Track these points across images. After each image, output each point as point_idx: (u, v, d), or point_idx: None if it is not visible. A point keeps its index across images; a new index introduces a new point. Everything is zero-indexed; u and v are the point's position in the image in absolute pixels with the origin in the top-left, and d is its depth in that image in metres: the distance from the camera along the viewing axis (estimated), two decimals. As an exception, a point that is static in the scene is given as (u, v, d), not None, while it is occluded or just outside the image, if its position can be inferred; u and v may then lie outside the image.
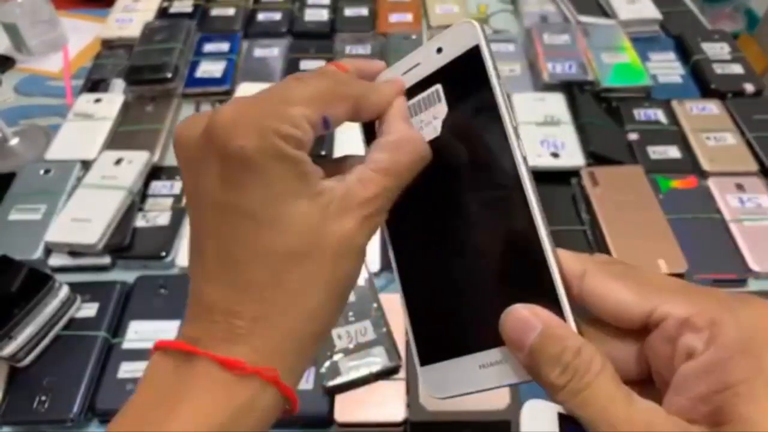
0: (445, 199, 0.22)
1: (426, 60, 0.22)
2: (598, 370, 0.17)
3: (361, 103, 0.21)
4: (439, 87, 0.22)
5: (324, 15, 0.83)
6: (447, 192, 0.22)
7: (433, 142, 0.22)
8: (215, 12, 0.83)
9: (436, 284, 0.22)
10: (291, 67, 0.76)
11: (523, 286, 0.20)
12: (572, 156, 0.61)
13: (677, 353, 0.17)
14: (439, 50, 0.22)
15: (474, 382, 0.20)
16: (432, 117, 0.22)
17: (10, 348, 0.45)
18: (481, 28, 0.21)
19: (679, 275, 0.52)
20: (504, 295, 0.19)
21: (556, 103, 0.68)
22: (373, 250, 0.54)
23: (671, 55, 0.76)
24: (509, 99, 0.23)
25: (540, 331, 0.18)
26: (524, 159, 0.20)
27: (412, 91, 0.23)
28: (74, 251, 0.55)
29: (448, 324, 0.21)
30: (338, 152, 0.65)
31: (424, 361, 0.21)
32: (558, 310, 0.19)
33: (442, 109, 0.22)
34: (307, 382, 0.45)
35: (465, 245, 0.21)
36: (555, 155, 0.61)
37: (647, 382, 0.19)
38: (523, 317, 0.18)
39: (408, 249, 0.22)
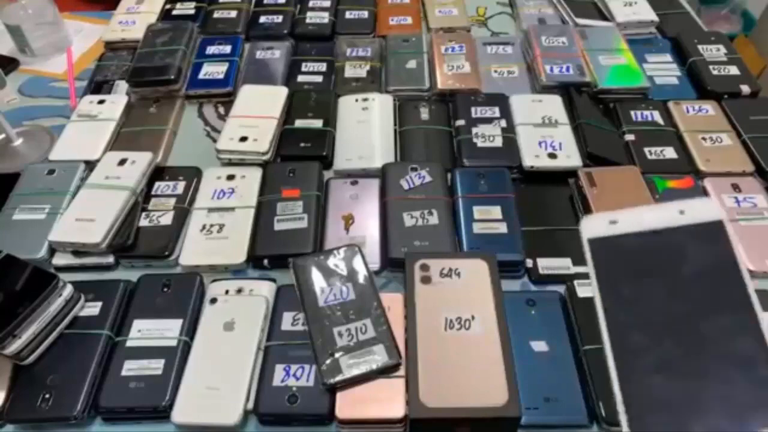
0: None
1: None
2: None
3: None
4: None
5: (325, 17, 0.83)
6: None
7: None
8: (217, 14, 0.84)
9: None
10: (292, 69, 0.76)
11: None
12: (570, 157, 0.62)
13: None
14: (682, 212, 0.26)
15: None
16: None
17: (14, 346, 0.46)
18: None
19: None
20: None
21: (554, 105, 0.68)
22: (373, 251, 0.55)
23: (668, 57, 0.77)
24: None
25: None
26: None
27: None
28: (78, 251, 0.56)
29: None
30: (338, 152, 0.65)
31: None
32: None
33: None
34: (308, 380, 0.45)
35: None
36: (553, 156, 0.62)
37: None
38: None
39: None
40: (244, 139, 0.64)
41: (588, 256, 0.25)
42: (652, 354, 0.23)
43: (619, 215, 0.26)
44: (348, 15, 0.84)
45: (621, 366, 0.23)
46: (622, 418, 0.23)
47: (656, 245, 0.25)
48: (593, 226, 0.26)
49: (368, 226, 0.57)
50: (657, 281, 0.24)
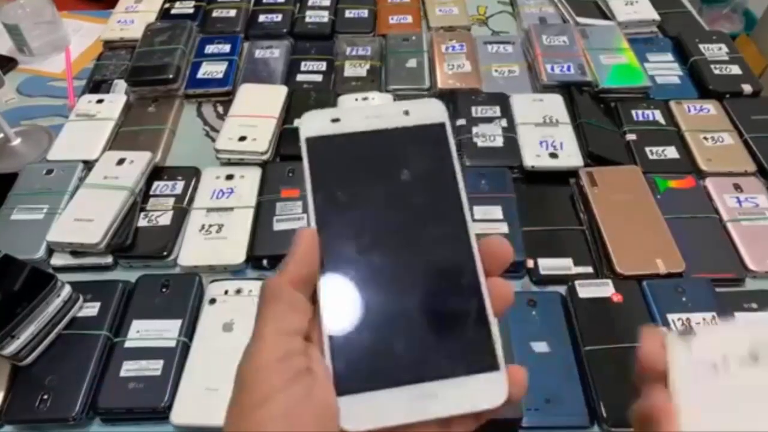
0: (388, 229, 0.23)
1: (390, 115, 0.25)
2: None
3: None
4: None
5: (324, 16, 0.83)
6: (392, 224, 0.23)
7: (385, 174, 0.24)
8: (216, 13, 0.84)
9: (368, 313, 0.22)
10: (292, 68, 0.76)
11: (457, 320, 0.21)
12: (571, 156, 0.62)
13: None
14: (407, 113, 0.25)
15: (400, 414, 0.21)
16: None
17: (13, 347, 0.45)
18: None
19: (678, 275, 0.52)
20: (440, 329, 0.21)
21: (555, 104, 0.68)
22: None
23: (669, 56, 0.77)
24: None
25: None
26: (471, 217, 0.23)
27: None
28: (76, 251, 0.55)
29: (377, 355, 0.21)
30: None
31: (343, 391, 0.21)
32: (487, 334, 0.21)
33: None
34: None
35: (404, 276, 0.22)
36: (554, 156, 0.62)
37: None
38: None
39: (341, 268, 0.23)
40: (243, 138, 0.63)
41: (304, 156, 0.24)
42: (355, 271, 0.22)
43: (342, 113, 0.24)
44: (348, 14, 0.84)
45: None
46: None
47: (377, 146, 0.24)
48: (313, 124, 0.24)
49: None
50: (373, 185, 0.23)
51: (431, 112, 0.25)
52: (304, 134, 0.24)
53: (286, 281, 0.22)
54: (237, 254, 0.55)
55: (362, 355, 0.21)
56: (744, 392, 0.21)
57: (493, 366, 0.21)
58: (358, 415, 0.21)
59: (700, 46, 0.76)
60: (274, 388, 0.20)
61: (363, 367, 0.21)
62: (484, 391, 0.21)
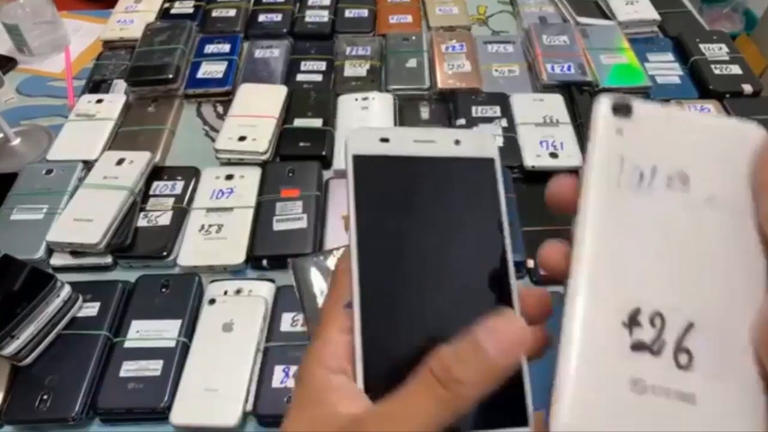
0: (428, 261, 0.23)
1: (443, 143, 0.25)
2: None
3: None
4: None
5: (324, 16, 0.83)
6: (432, 256, 0.23)
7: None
8: (216, 13, 0.84)
9: (401, 312, 0.22)
10: (292, 67, 0.76)
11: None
12: (571, 156, 0.62)
13: None
14: (458, 142, 0.24)
15: None
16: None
17: (12, 347, 0.45)
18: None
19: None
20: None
21: (555, 104, 0.68)
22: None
23: (670, 56, 0.77)
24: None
25: None
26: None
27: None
28: (76, 251, 0.55)
29: (405, 362, 0.21)
30: (338, 151, 0.65)
31: (369, 390, 0.20)
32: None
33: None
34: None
35: (440, 313, 0.22)
36: (554, 155, 0.62)
37: None
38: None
39: (378, 295, 0.22)
40: (243, 138, 0.63)
41: (350, 174, 0.22)
42: (397, 294, 0.22)
43: (391, 133, 0.23)
44: (348, 13, 0.84)
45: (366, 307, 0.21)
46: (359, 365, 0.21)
47: (425, 172, 0.23)
48: (361, 143, 0.23)
49: (368, 226, 0.57)
50: (418, 213, 0.23)
51: (483, 145, 0.24)
52: (351, 151, 0.23)
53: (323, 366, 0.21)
54: (237, 254, 0.55)
55: (397, 355, 0.21)
56: (661, 219, 0.19)
57: (522, 421, 0.21)
58: None
59: (701, 45, 0.76)
60: None
61: (396, 367, 0.21)
62: None
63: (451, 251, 0.23)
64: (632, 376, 0.18)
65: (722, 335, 0.19)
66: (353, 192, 0.23)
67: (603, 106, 0.20)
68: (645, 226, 0.19)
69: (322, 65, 0.76)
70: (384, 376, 0.21)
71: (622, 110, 0.20)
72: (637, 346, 0.19)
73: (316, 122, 0.67)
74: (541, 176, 0.62)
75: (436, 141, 0.24)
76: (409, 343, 0.21)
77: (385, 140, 0.23)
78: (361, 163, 0.23)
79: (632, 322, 0.19)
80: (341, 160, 0.64)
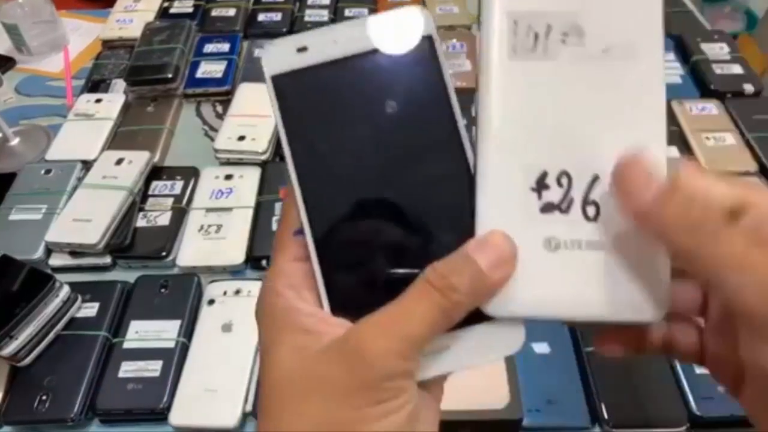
0: (380, 172, 0.21)
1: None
2: None
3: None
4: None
5: (324, 15, 0.83)
6: (383, 164, 0.21)
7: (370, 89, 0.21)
8: (215, 12, 0.83)
9: (354, 230, 0.21)
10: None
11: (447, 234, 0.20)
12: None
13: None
14: (385, 28, 0.22)
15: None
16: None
17: (11, 347, 0.45)
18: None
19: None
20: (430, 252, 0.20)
21: (556, 104, 0.68)
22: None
23: (671, 56, 0.76)
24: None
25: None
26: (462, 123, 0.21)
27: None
28: (75, 251, 0.55)
29: (368, 279, 0.20)
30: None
31: (335, 312, 0.20)
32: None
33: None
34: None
35: (398, 217, 0.21)
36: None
37: None
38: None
39: (322, 192, 0.21)
40: (242, 138, 0.63)
41: (272, 98, 0.21)
42: (345, 209, 0.20)
43: (308, 39, 0.21)
44: (348, 13, 0.84)
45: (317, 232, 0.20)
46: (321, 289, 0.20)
47: (354, 75, 0.21)
48: (277, 58, 0.21)
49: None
50: (356, 123, 0.21)
51: (415, 22, 0.21)
52: (268, 73, 0.21)
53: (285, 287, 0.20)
54: (236, 255, 0.55)
55: (355, 279, 0.20)
56: (561, 78, 0.19)
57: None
58: None
59: (702, 45, 0.76)
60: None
61: (357, 292, 0.20)
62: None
63: (399, 156, 0.21)
64: (545, 236, 0.19)
65: None
66: (280, 116, 0.21)
67: None
68: (545, 89, 0.20)
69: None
70: (347, 297, 0.20)
71: None
72: (546, 208, 0.19)
73: (316, 122, 0.67)
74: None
75: (360, 35, 0.21)
76: (367, 260, 0.21)
77: (303, 50, 0.21)
78: (282, 82, 0.21)
79: (540, 185, 0.19)
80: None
